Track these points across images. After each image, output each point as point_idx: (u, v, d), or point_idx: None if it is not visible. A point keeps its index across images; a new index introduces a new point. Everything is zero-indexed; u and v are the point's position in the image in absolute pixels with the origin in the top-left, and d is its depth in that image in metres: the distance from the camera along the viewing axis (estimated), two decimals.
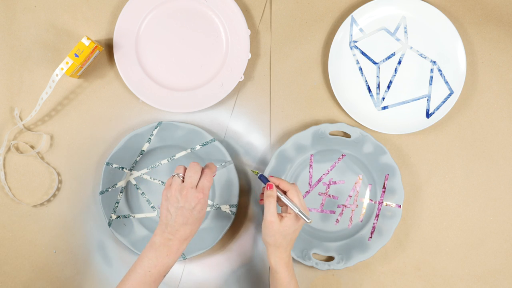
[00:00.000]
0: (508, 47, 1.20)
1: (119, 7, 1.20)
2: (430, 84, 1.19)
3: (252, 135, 1.21)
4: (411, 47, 1.19)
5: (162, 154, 1.18)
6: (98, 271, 1.19)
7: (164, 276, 0.97)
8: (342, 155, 1.19)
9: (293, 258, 1.18)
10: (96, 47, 1.14)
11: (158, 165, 1.18)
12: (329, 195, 1.19)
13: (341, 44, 1.19)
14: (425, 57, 1.18)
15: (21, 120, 1.19)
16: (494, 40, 1.20)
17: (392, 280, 1.20)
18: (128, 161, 1.17)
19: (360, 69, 1.19)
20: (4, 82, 1.20)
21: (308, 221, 0.99)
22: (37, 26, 1.20)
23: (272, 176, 1.04)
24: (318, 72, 1.21)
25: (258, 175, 1.05)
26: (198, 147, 1.17)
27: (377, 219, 1.18)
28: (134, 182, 1.18)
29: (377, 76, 1.19)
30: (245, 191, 1.20)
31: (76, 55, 1.12)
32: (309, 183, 1.19)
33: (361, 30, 1.18)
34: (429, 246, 1.20)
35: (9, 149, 1.19)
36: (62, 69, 1.12)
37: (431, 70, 1.18)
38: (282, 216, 1.00)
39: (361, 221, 1.19)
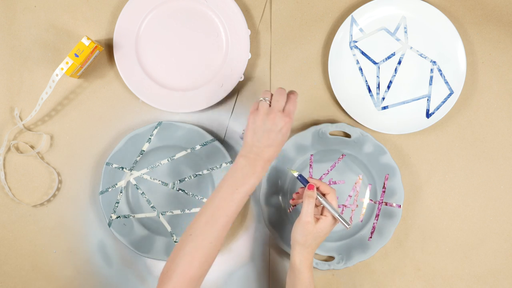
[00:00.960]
0: (508, 47, 1.20)
1: (119, 7, 1.20)
2: (430, 84, 1.19)
3: None
4: (411, 47, 1.19)
5: (162, 154, 1.18)
6: (98, 271, 1.19)
7: (249, 196, 0.98)
8: (342, 155, 1.19)
9: None
10: (96, 47, 1.14)
11: (158, 165, 1.18)
12: None
13: (341, 44, 1.19)
14: (425, 57, 1.18)
15: (21, 120, 1.19)
16: (494, 40, 1.20)
17: (392, 280, 1.20)
18: (128, 161, 1.17)
19: (360, 69, 1.19)
20: (4, 82, 1.20)
21: (347, 226, 1.00)
22: (37, 26, 1.20)
23: (312, 177, 1.05)
24: (318, 72, 1.21)
25: (297, 175, 1.05)
26: (198, 147, 1.17)
27: (377, 219, 1.18)
28: (134, 182, 1.18)
29: (377, 76, 1.19)
30: None
31: (76, 55, 1.12)
32: None
33: (361, 30, 1.19)
34: (429, 246, 1.20)
35: (9, 149, 1.19)
36: (62, 69, 1.12)
37: (431, 70, 1.18)
38: (317, 218, 1.02)
39: (361, 221, 1.19)
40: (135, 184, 1.18)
